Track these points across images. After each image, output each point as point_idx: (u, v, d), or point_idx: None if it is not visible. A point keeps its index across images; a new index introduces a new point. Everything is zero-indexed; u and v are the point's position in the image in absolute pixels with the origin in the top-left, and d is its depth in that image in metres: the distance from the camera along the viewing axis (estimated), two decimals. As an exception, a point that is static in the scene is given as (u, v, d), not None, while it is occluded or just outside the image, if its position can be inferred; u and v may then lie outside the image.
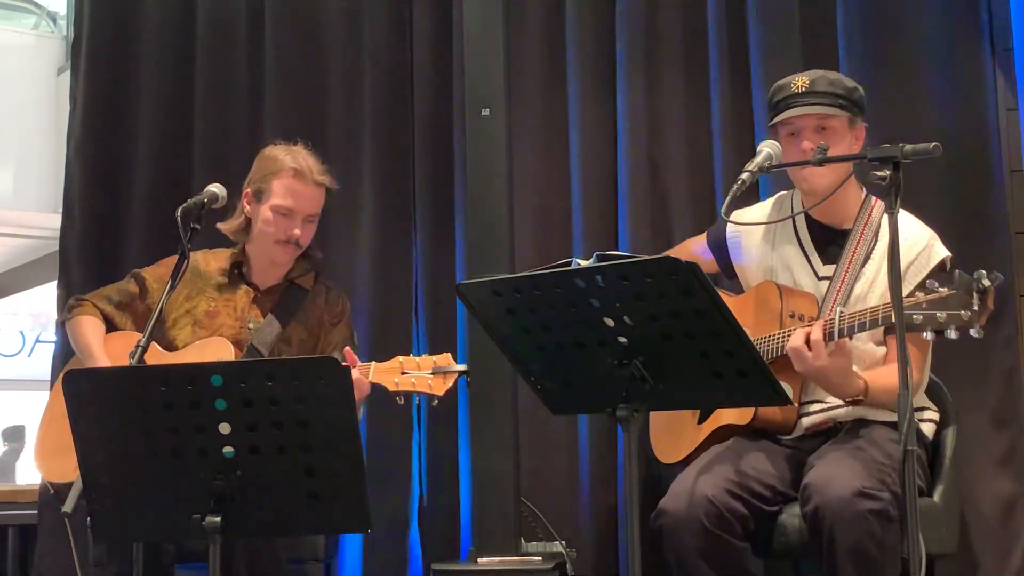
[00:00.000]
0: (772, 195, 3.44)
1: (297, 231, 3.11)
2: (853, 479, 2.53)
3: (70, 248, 3.90)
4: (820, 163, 2.66)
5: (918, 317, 2.44)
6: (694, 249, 3.22)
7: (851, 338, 2.65)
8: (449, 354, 2.95)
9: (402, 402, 2.95)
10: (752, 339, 2.81)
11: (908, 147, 2.41)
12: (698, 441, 2.91)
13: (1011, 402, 3.31)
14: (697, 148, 3.69)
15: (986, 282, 2.39)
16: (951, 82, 3.43)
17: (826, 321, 2.64)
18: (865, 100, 2.90)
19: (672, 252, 3.24)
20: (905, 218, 2.85)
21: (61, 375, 3.12)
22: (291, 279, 3.21)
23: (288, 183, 3.10)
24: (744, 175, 2.67)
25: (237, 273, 3.19)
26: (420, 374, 2.91)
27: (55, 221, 4.08)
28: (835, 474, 2.57)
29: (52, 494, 3.01)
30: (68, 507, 2.45)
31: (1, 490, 3.90)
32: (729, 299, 3.06)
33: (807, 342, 2.61)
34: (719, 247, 3.12)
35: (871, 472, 2.56)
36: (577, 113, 3.78)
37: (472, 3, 3.52)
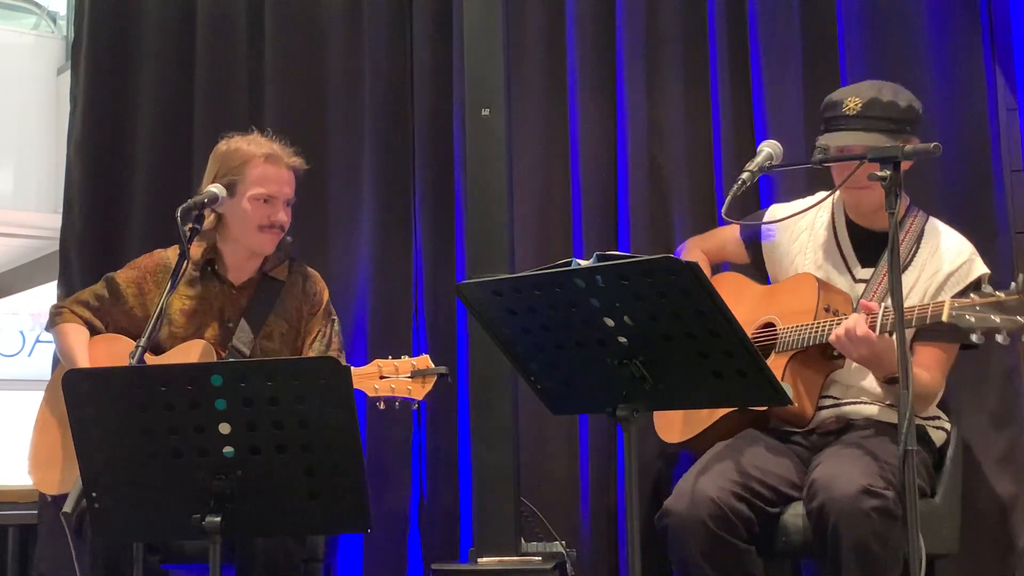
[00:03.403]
0: (772, 194, 3.45)
1: (282, 215, 3.06)
2: (858, 476, 2.53)
3: (70, 248, 3.89)
4: (820, 163, 2.66)
5: (971, 317, 2.42)
6: (726, 236, 3.19)
7: (892, 334, 2.62)
8: (427, 355, 2.95)
9: (382, 407, 2.94)
10: (783, 326, 2.82)
11: (908, 147, 2.41)
12: (708, 424, 2.90)
13: (1011, 402, 3.31)
14: (697, 148, 3.68)
15: None
16: (951, 82, 3.43)
17: (870, 316, 2.62)
18: (920, 112, 2.84)
19: (703, 238, 3.24)
20: (948, 231, 2.89)
21: (48, 383, 3.14)
22: (265, 272, 3.15)
23: (263, 170, 3.05)
24: (744, 175, 2.67)
25: (210, 270, 3.12)
26: (399, 378, 2.91)
27: (55, 221, 4.08)
28: (840, 471, 2.58)
29: (51, 497, 3.00)
30: (68, 507, 2.46)
31: (1, 490, 3.90)
32: (761, 287, 3.06)
33: (862, 335, 2.60)
34: (752, 240, 3.09)
35: (876, 470, 2.57)
36: (577, 113, 3.78)
37: (472, 3, 3.51)
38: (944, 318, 2.48)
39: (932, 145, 2.42)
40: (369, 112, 3.96)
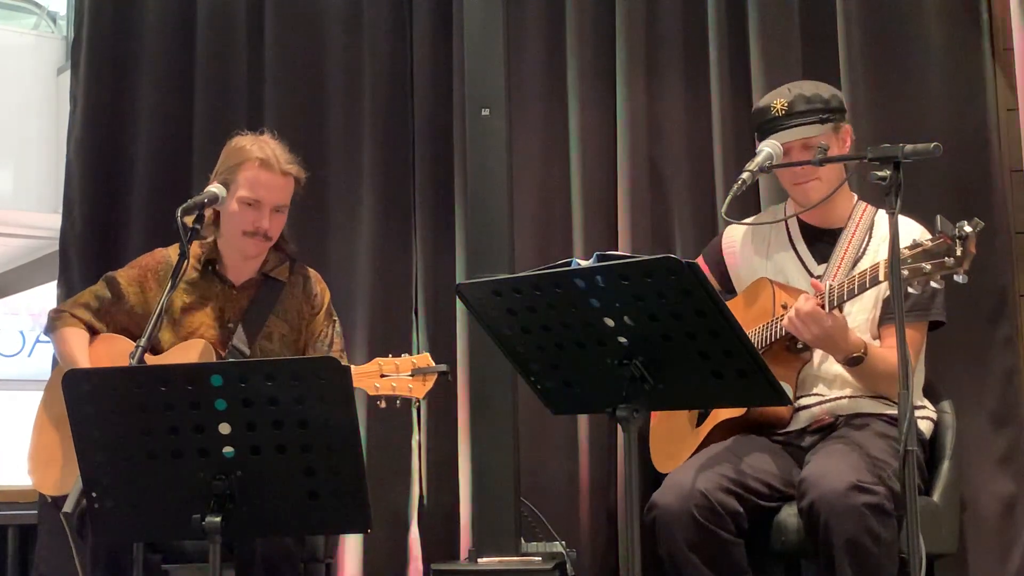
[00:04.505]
0: (772, 194, 3.45)
1: (265, 223, 3.01)
2: (848, 473, 2.54)
3: (70, 248, 3.89)
4: (821, 163, 2.67)
5: (904, 271, 2.45)
6: None
7: (841, 309, 2.70)
8: (428, 354, 2.95)
9: (383, 406, 2.94)
10: (747, 331, 2.84)
11: (908, 147, 2.42)
12: (697, 443, 2.91)
13: (1011, 402, 3.31)
14: (697, 148, 3.69)
15: (968, 228, 2.40)
16: (951, 82, 3.43)
17: (819, 295, 2.67)
18: (844, 101, 2.95)
19: None
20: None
21: (47, 384, 3.14)
22: (265, 272, 3.13)
23: (254, 173, 3.01)
24: (744, 175, 2.69)
25: (211, 269, 3.11)
26: (399, 376, 2.91)
27: (55, 221, 4.08)
28: (830, 468, 2.59)
29: (51, 497, 3.00)
30: (68, 507, 2.45)
31: (1, 490, 3.91)
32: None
33: (808, 310, 2.65)
34: (716, 262, 3.13)
35: (867, 466, 2.57)
36: (577, 113, 3.78)
37: (472, 3, 3.52)
38: (881, 277, 2.55)
39: (932, 145, 2.42)
40: (369, 112, 3.96)
